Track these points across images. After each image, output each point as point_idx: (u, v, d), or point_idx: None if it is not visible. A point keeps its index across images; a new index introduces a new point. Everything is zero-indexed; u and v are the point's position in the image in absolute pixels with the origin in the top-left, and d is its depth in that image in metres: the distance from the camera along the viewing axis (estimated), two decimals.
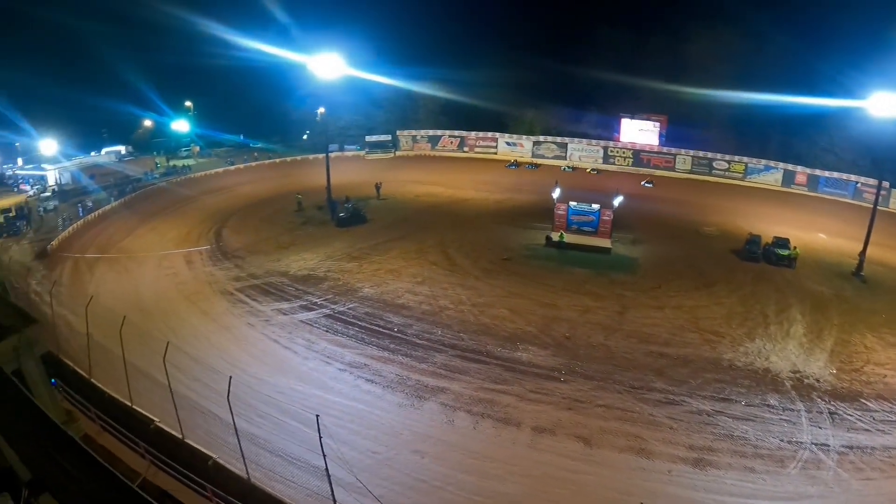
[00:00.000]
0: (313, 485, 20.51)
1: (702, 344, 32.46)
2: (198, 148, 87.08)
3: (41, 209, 57.63)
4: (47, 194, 63.62)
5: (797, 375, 29.73)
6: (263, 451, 22.65)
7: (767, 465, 23.53)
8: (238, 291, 38.30)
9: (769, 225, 49.95)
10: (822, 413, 26.86)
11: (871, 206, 45.31)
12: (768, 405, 27.23)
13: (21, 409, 14.09)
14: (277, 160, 76.88)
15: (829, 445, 24.69)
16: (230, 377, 20.04)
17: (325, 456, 16.97)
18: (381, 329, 33.44)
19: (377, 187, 61.77)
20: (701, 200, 58.98)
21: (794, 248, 44.84)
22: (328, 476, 17.43)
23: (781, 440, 24.90)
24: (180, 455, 20.87)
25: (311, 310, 35.62)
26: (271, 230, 51.00)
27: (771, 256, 44.65)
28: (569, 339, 32.66)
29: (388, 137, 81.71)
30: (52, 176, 69.02)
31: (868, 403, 27.76)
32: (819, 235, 51.67)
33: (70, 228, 50.80)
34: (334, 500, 17.83)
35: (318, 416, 17.07)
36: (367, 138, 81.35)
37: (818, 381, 29.37)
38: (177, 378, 23.90)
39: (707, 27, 70.44)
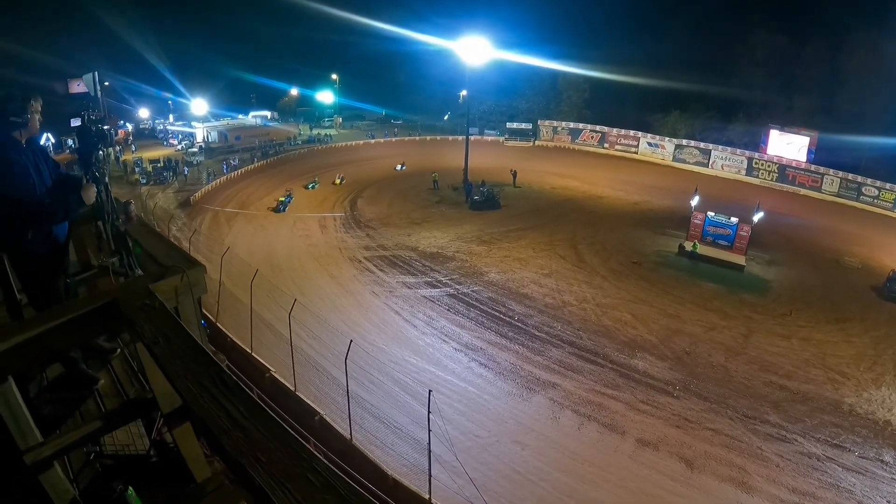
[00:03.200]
0: (411, 457, 21.65)
1: (825, 382, 31.67)
2: (340, 119, 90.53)
3: (189, 163, 62.30)
4: (194, 150, 68.71)
5: None
6: (369, 416, 24.09)
7: None
8: (366, 260, 40.24)
9: None
10: None
11: None
12: (882, 461, 26.44)
13: (180, 342, 16.00)
14: (417, 137, 78.65)
15: None
16: (350, 340, 21.94)
17: (430, 431, 17.93)
18: (501, 315, 34.44)
19: (513, 174, 62.43)
20: (845, 227, 55.98)
21: None
22: (429, 451, 18.33)
23: (889, 501, 24.32)
24: (290, 406, 22.28)
25: (435, 287, 37.07)
26: (405, 205, 52.80)
27: None
28: (688, 354, 32.67)
29: (529, 126, 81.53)
30: (200, 133, 74.18)
31: None
32: None
33: (213, 183, 54.60)
34: (430, 475, 18.70)
35: (430, 391, 18.09)
36: (508, 125, 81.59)
37: None
38: (297, 333, 25.49)
39: (868, 36, 65.62)
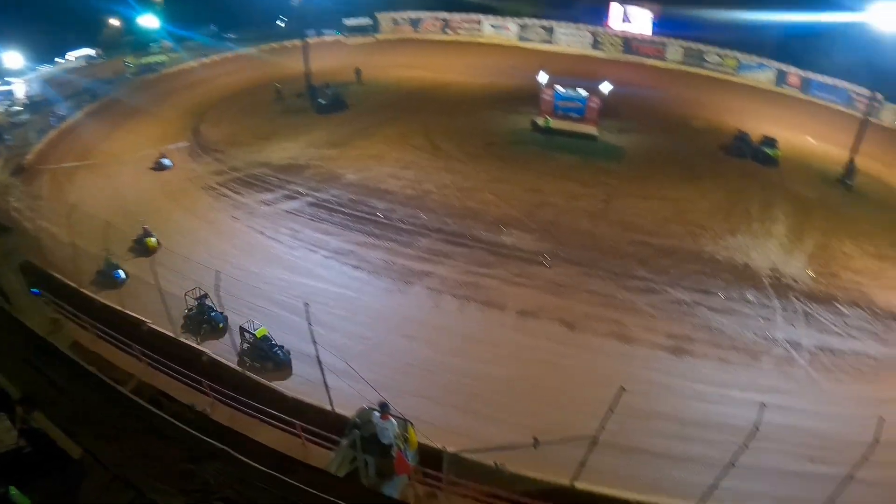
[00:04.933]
0: (305, 372, 21.46)
1: (685, 236, 34.26)
2: (168, 43, 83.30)
3: (14, 125, 55.26)
4: (18, 108, 60.91)
5: (775, 274, 31.77)
6: None
7: (742, 357, 25.79)
8: (220, 186, 38.49)
9: (758, 123, 50.74)
10: (797, 312, 29.04)
11: (862, 115, 46.69)
12: (746, 300, 29.39)
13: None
14: (253, 49, 74.46)
15: (801, 345, 26.88)
16: (217, 271, 21.00)
17: (315, 343, 17.85)
18: (365, 215, 34.42)
19: (357, 72, 60.97)
20: (691, 94, 59.34)
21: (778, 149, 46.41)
22: (319, 363, 18.33)
23: (756, 335, 27.11)
24: (175, 353, 21.64)
25: (294, 199, 36.30)
26: (250, 121, 50.37)
27: (759, 155, 46.01)
28: (553, 224, 34.02)
29: (369, 20, 78.99)
30: (19, 89, 65.69)
31: (842, 308, 29.90)
32: (807, 139, 52.91)
33: (44, 140, 49.16)
34: (326, 386, 18.87)
35: (306, 303, 17.82)
36: (346, 21, 78.61)
37: (795, 281, 31.46)
38: (166, 278, 24.35)
39: None
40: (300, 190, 37.34)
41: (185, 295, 25.36)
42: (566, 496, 17.05)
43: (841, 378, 25.79)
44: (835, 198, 42.73)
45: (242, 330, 23.23)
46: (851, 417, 22.90)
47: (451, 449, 16.63)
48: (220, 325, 24.62)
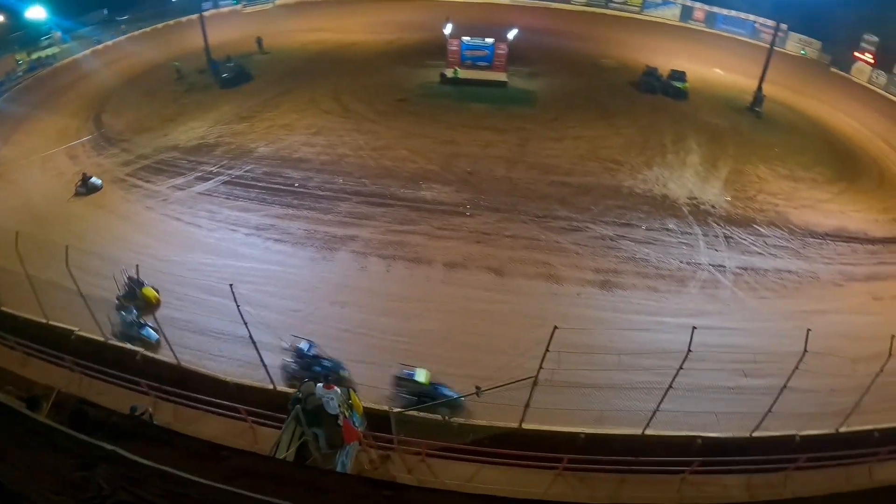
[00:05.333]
0: (242, 354, 20.88)
1: (602, 172, 34.92)
2: (59, 34, 78.02)
3: None
4: None
5: (694, 202, 32.75)
6: (188, 333, 22.99)
7: (669, 284, 26.56)
8: (130, 176, 36.46)
9: (666, 58, 51.52)
10: (717, 237, 30.10)
11: (768, 45, 48.10)
12: (667, 229, 30.24)
13: None
14: (148, 29, 70.84)
15: (725, 267, 28.00)
16: (136, 266, 20.04)
17: (246, 324, 17.41)
18: (281, 186, 33.56)
19: (259, 41, 58.97)
20: (598, 34, 59.85)
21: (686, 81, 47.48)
22: (253, 343, 17.95)
23: (681, 262, 27.92)
24: (108, 357, 20.80)
25: (207, 180, 34.91)
26: (153, 105, 47.95)
27: (668, 89, 47.03)
28: (471, 174, 34.00)
29: None
30: None
31: (760, 229, 31.28)
32: (715, 70, 54.29)
33: None
34: (265, 365, 18.55)
35: (231, 284, 17.32)
36: None
37: (714, 207, 32.49)
38: (87, 281, 23.05)
39: None
40: (212, 170, 35.99)
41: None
42: (516, 438, 17.12)
43: (765, 295, 26.95)
44: (745, 125, 44.17)
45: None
46: (779, 331, 23.97)
47: (396, 408, 16.64)
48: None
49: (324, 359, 21.67)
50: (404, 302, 24.94)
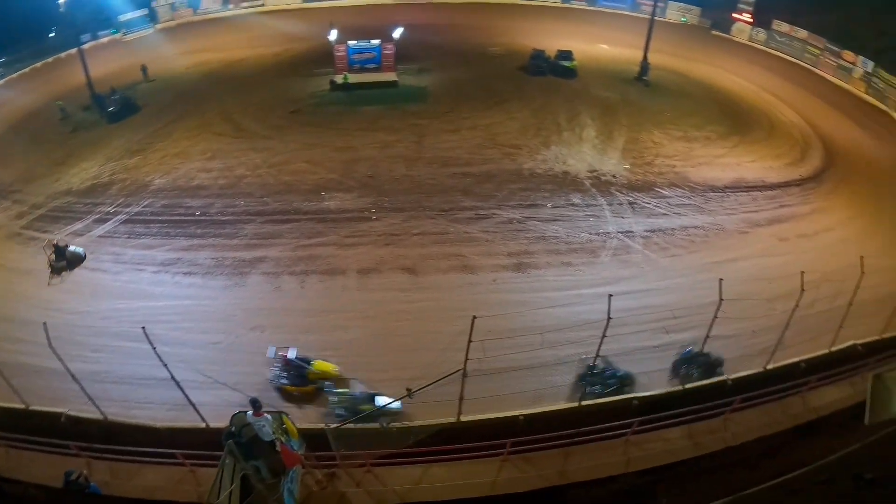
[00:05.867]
0: (169, 397, 19.93)
1: (502, 158, 35.54)
2: None
3: None
4: None
5: (595, 174, 33.77)
6: (110, 385, 22.05)
7: (582, 257, 27.36)
8: (26, 229, 34.33)
9: (552, 40, 52.74)
10: (622, 205, 31.20)
11: (649, 16, 49.87)
12: (573, 204, 31.12)
13: None
14: (27, 69, 67.37)
15: (633, 232, 29.13)
16: (44, 323, 18.94)
17: (165, 365, 16.81)
18: (183, 217, 32.52)
19: (144, 69, 57.01)
20: (484, 23, 60.43)
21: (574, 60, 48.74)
22: (177, 383, 17.40)
23: (590, 233, 28.80)
24: (32, 424, 19.74)
25: (106, 221, 33.33)
26: (41, 150, 45.37)
27: (557, 69, 48.11)
28: (372, 177, 33.95)
29: (144, 11, 73.79)
30: None
31: (662, 191, 32.71)
32: (601, 46, 55.71)
33: None
34: (192, 404, 18.05)
35: (143, 327, 16.76)
36: (121, 18, 72.92)
37: (615, 176, 33.59)
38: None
39: None
40: (110, 210, 34.41)
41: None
42: (457, 432, 17.25)
43: (676, 253, 28.27)
44: (635, 95, 45.78)
45: None
46: (693, 285, 25.21)
47: (333, 424, 16.50)
48: None
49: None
50: (324, 315, 24.77)
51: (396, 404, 19.51)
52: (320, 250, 28.67)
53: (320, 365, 21.58)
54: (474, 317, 15.03)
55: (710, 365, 21.27)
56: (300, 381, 21.28)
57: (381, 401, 19.62)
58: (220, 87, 50.68)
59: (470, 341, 15.28)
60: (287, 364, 21.41)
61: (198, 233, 31.04)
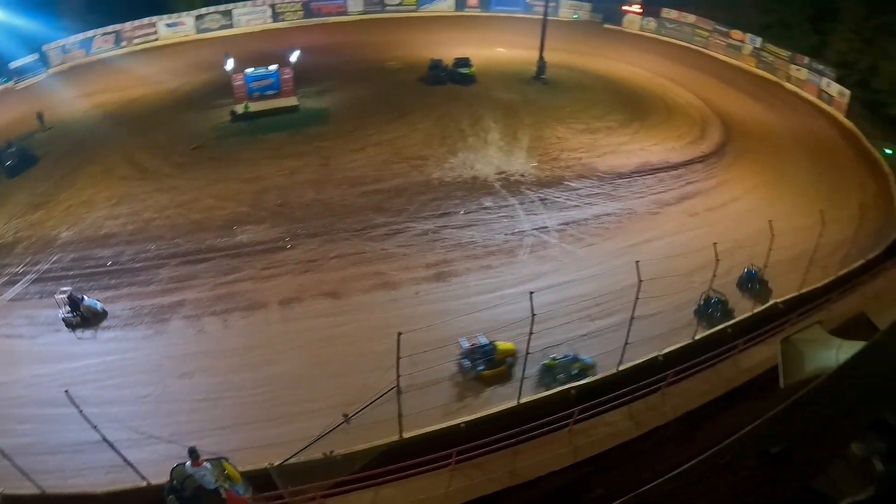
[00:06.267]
0: (106, 459, 19.18)
1: (410, 171, 35.75)
2: None
3: None
4: None
5: (504, 175, 34.42)
6: (43, 456, 20.97)
7: (501, 259, 27.83)
8: None
9: (450, 48, 53.11)
10: (534, 202, 31.89)
11: (542, 17, 50.89)
12: (485, 208, 31.62)
13: None
14: None
15: (548, 227, 29.86)
16: None
17: (95, 427, 16.48)
18: (94, 269, 31.29)
19: (40, 117, 54.60)
20: (380, 39, 60.86)
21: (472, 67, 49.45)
22: (110, 445, 17.05)
23: (506, 234, 29.32)
24: None
25: (14, 283, 31.68)
26: None
27: (456, 76, 48.64)
28: (282, 205, 33.54)
29: (35, 56, 70.69)
30: None
31: (571, 184, 33.66)
32: (498, 50, 56.52)
33: None
34: (130, 465, 17.54)
35: (66, 391, 16.31)
36: (10, 65, 69.62)
37: (523, 175, 34.32)
38: None
39: None
40: (18, 271, 32.67)
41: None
42: (402, 450, 17.22)
43: (592, 242, 29.26)
44: (535, 94, 46.86)
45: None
46: (612, 270, 26.02)
47: (275, 462, 16.39)
48: None
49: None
50: (251, 353, 24.27)
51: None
52: (239, 286, 28.11)
53: (502, 345, 22.17)
54: (399, 333, 14.99)
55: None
56: (491, 364, 21.97)
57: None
58: (119, 128, 48.90)
59: (399, 358, 15.29)
60: (476, 351, 22.14)
61: (112, 283, 29.97)
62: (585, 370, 21.12)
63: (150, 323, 26.86)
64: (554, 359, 21.44)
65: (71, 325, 27.38)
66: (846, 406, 9.87)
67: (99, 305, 28.39)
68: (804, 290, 23.69)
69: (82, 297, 27.89)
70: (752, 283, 25.63)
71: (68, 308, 27.30)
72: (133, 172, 40.69)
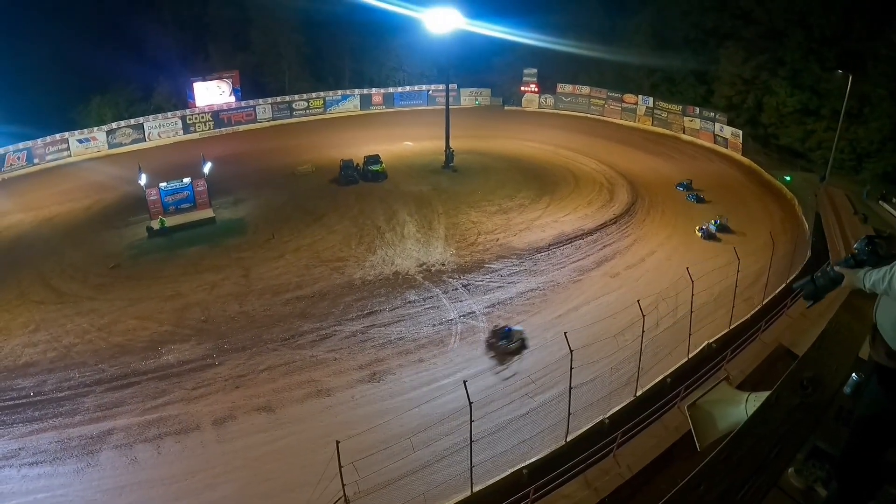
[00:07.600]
0: None
1: (331, 274, 35.69)
2: None
3: None
4: None
5: (424, 267, 34.78)
6: None
7: (432, 350, 27.82)
8: None
9: (359, 147, 54.40)
10: (457, 289, 32.24)
11: (445, 107, 52.70)
12: (410, 302, 31.67)
13: None
14: None
15: (475, 312, 30.17)
16: None
17: None
18: (16, 402, 29.42)
19: None
20: (290, 143, 61.82)
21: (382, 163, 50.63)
22: None
23: (434, 325, 29.39)
24: None
25: None
26: None
27: (367, 174, 49.69)
28: (206, 321, 32.77)
29: None
30: None
31: (492, 266, 34.36)
32: (406, 144, 58.14)
33: None
34: None
35: None
36: None
37: (443, 264, 34.85)
38: None
39: None
40: None
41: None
42: None
43: (519, 319, 29.44)
44: (446, 182, 48.21)
45: None
46: (544, 344, 26.64)
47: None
48: None
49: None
50: (189, 478, 23.13)
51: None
52: (169, 409, 26.95)
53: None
54: (337, 441, 14.80)
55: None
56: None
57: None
58: (33, 250, 46.93)
59: (341, 467, 15.01)
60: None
61: (35, 415, 28.13)
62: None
63: (80, 455, 25.32)
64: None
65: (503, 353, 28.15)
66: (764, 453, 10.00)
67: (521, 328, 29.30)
68: (734, 326, 24.52)
69: (509, 328, 28.88)
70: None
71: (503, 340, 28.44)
72: (50, 296, 39.10)
